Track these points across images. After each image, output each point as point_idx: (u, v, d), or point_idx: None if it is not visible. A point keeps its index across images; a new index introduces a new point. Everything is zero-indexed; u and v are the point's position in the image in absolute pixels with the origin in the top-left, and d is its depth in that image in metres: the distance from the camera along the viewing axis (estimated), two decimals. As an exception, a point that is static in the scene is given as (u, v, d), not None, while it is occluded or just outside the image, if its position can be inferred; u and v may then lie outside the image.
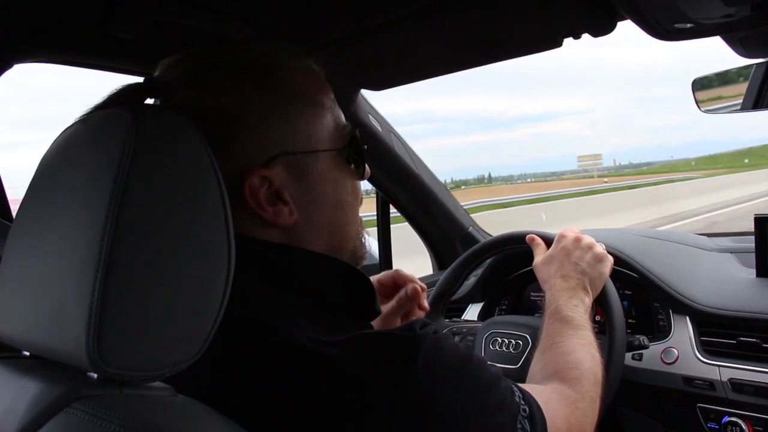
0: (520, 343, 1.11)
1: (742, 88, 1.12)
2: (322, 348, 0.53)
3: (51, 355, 0.49)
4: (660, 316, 1.24)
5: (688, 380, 1.12)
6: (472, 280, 1.53)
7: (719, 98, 1.18)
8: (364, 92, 1.51)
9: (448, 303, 1.34)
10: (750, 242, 1.26)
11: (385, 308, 0.89)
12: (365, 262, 0.72)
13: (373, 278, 0.92)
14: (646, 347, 1.13)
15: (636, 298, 1.30)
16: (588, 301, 0.97)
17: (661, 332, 1.22)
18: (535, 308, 1.45)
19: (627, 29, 0.98)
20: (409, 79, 1.39)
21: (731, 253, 1.34)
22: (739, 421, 1.07)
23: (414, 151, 1.69)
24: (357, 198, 0.70)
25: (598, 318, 1.27)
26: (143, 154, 0.48)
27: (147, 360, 0.46)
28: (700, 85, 1.20)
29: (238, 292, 0.52)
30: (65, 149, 0.54)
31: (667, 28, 0.93)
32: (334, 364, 0.53)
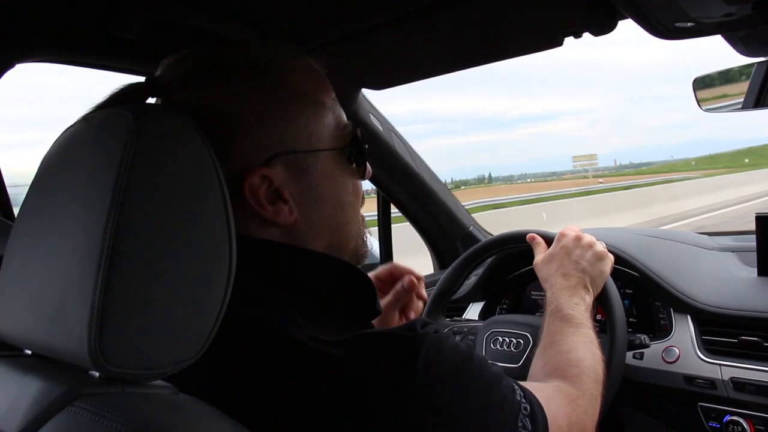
0: (521, 342, 1.11)
1: (743, 86, 1.12)
2: (322, 347, 0.53)
3: (53, 354, 0.49)
4: (661, 315, 1.24)
5: (690, 379, 1.12)
6: (472, 279, 1.53)
7: (720, 97, 1.18)
8: (365, 92, 1.51)
9: (448, 302, 1.34)
10: (751, 241, 1.25)
11: (382, 303, 0.88)
12: (366, 262, 0.72)
13: (370, 275, 0.92)
14: (647, 346, 1.13)
15: (637, 297, 1.30)
16: (589, 299, 0.96)
17: (662, 331, 1.22)
18: (535, 307, 1.45)
19: (628, 28, 0.99)
20: (410, 79, 1.39)
21: (732, 251, 1.34)
22: (741, 420, 1.07)
23: (415, 151, 1.70)
24: (358, 197, 0.70)
25: (598, 317, 1.27)
26: (145, 153, 0.48)
27: (148, 359, 0.46)
28: (701, 83, 1.20)
29: (238, 292, 0.52)
30: (66, 149, 0.54)
31: (667, 27, 0.93)
32: (335, 363, 0.53)
